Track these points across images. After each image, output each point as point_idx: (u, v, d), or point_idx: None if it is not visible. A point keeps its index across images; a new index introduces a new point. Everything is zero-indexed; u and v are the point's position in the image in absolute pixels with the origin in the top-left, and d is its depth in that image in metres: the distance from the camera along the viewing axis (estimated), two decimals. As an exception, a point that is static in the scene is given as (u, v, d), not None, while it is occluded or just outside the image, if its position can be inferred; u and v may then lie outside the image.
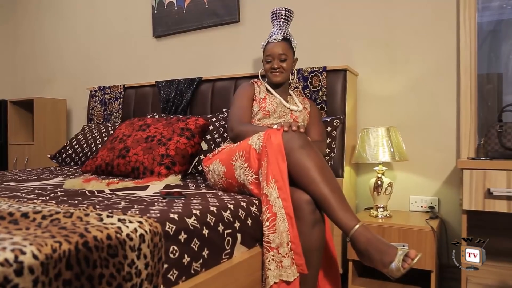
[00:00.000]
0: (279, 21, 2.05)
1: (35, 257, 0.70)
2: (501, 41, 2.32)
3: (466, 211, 1.75)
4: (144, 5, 3.30)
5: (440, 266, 2.10)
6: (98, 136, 2.75)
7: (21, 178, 1.97)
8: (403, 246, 1.91)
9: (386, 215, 2.08)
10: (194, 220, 1.13)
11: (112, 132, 2.74)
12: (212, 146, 2.29)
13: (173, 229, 1.04)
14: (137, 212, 1.08)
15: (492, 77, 2.34)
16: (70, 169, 2.50)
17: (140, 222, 0.96)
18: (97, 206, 1.15)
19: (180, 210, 1.14)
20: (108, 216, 0.96)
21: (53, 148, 3.45)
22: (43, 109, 3.50)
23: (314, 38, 2.51)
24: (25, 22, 4.22)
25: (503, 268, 1.97)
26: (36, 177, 2.04)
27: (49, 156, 2.90)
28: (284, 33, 2.02)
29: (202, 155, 2.27)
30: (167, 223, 1.04)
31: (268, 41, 2.03)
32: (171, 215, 1.08)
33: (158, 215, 1.06)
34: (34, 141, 3.43)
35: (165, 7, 3.16)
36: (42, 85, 4.06)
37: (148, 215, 1.04)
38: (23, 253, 0.70)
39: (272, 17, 2.08)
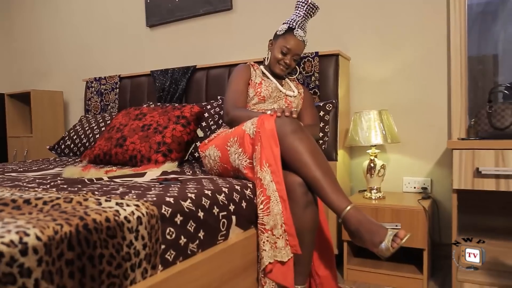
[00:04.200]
0: (303, 11, 1.97)
1: (38, 238, 0.75)
2: (491, 22, 2.34)
3: (456, 190, 1.80)
4: (137, -6, 3.31)
5: (432, 244, 2.16)
6: (96, 127, 2.79)
7: (21, 169, 2.01)
8: (396, 225, 1.97)
9: (380, 196, 2.13)
10: (190, 203, 1.17)
11: (109, 122, 2.77)
12: (208, 133, 2.32)
13: (169, 212, 1.09)
14: (134, 196, 1.12)
15: (483, 58, 2.37)
16: (69, 160, 2.54)
17: (137, 206, 1.00)
18: (96, 192, 1.19)
19: (175, 194, 1.18)
20: (106, 201, 1.00)
21: (51, 140, 3.49)
22: (40, 102, 3.53)
23: (308, 24, 2.52)
24: (20, 15, 4.22)
25: (494, 245, 2.03)
26: (36, 168, 2.08)
27: (48, 147, 2.94)
28: (305, 31, 1.97)
29: (198, 142, 2.31)
30: (163, 206, 1.08)
31: (293, 30, 1.93)
32: (167, 199, 1.12)
33: (155, 199, 1.10)
34: (33, 133, 3.47)
35: (158, -4, 3.17)
36: (39, 77, 4.08)
37: (144, 199, 1.09)
38: (27, 235, 0.74)
39: (299, 3, 1.99)
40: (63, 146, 2.85)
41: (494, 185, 1.70)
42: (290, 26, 1.96)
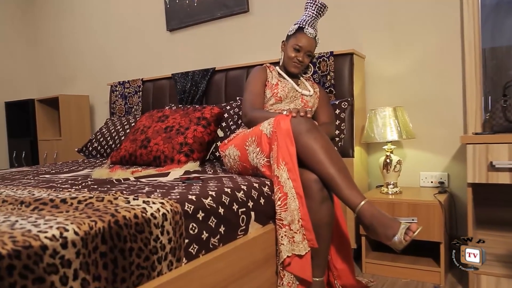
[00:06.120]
0: (313, 11, 2.02)
1: (76, 233, 0.84)
2: (506, 14, 2.33)
3: (471, 184, 1.83)
4: (157, 0, 3.41)
5: (450, 237, 2.19)
6: (121, 129, 2.91)
7: (53, 171, 2.14)
8: (412, 219, 2.01)
9: (396, 191, 2.17)
10: (210, 200, 1.26)
11: (133, 124, 2.89)
12: (228, 133, 2.41)
13: (191, 209, 1.17)
14: (160, 195, 1.21)
15: (498, 51, 2.37)
16: (97, 161, 2.67)
17: (162, 203, 1.10)
18: (124, 192, 1.29)
19: (197, 192, 1.27)
20: (134, 199, 1.10)
21: (79, 142, 3.65)
22: (67, 106, 3.70)
23: (321, 23, 2.56)
24: (45, 24, 4.41)
25: (511, 238, 2.05)
26: (67, 170, 2.21)
27: (76, 149, 3.08)
28: (316, 30, 2.04)
29: (219, 141, 2.39)
30: (186, 203, 1.17)
31: (303, 29, 2.00)
32: (189, 196, 1.21)
33: (178, 196, 1.19)
34: (62, 136, 3.64)
35: (177, 1, 3.27)
36: (65, 83, 4.26)
37: (169, 197, 1.17)
38: (66, 230, 0.84)
39: (308, 3, 2.05)
40: (90, 148, 2.99)
41: (509, 178, 1.73)
42: (300, 25, 2.03)
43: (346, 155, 2.21)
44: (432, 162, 2.35)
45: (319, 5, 2.03)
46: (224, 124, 2.45)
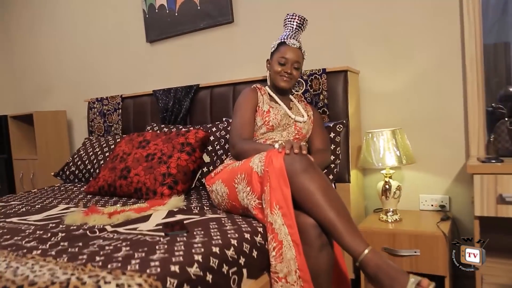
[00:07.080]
0: (293, 25, 1.93)
1: None
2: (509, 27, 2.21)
3: (479, 216, 1.70)
4: (136, 10, 3.21)
5: (453, 265, 2.07)
6: (100, 152, 2.71)
7: (24, 209, 1.95)
8: (415, 252, 1.88)
9: (396, 219, 2.03)
10: (197, 268, 1.09)
11: (112, 146, 2.70)
12: (214, 158, 2.24)
13: (174, 284, 1.01)
14: (137, 267, 1.04)
15: (501, 66, 2.25)
16: (74, 189, 2.47)
17: (140, 285, 0.93)
18: (97, 258, 1.12)
19: (181, 259, 1.10)
20: (106, 283, 0.93)
21: (57, 161, 3.43)
22: (43, 122, 3.47)
23: (312, 38, 2.39)
24: (20, 36, 4.15)
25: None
26: (39, 205, 2.02)
27: (53, 174, 2.88)
28: (300, 42, 1.93)
29: (205, 167, 2.23)
30: (168, 278, 1.00)
31: (285, 42, 1.90)
32: (172, 268, 1.04)
33: (159, 270, 1.02)
34: (38, 155, 3.41)
35: (157, 10, 3.08)
36: (41, 97, 4.02)
37: (148, 271, 1.01)
38: None
39: (287, 19, 1.96)
40: (67, 172, 2.79)
41: (520, 211, 1.60)
42: (282, 40, 1.92)
43: (342, 180, 2.08)
44: (432, 184, 2.22)
45: (298, 18, 1.93)
46: (210, 148, 2.28)
